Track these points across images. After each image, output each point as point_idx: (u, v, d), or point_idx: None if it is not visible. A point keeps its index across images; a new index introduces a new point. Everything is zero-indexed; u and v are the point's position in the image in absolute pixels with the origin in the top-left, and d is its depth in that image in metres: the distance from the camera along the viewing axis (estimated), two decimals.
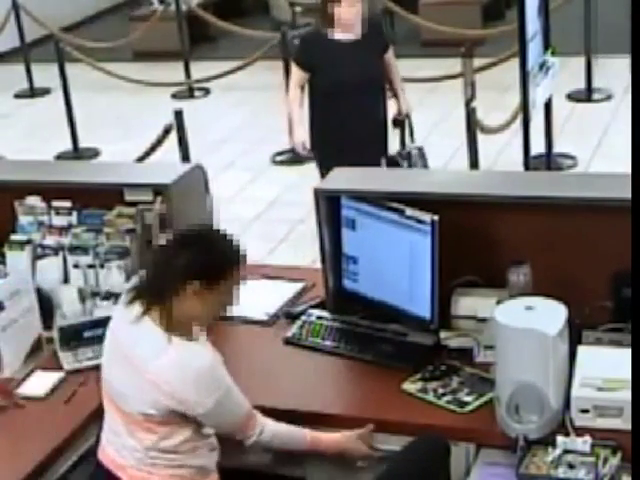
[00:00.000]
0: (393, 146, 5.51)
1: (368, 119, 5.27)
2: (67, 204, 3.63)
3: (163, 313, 2.68)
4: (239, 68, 8.63)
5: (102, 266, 3.51)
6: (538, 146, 6.58)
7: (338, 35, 5.19)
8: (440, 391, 2.96)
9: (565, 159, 7.01)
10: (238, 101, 9.24)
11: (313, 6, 10.28)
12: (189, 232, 2.80)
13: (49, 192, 3.65)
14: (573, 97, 8.21)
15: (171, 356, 2.64)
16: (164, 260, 2.73)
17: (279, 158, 7.72)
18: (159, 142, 6.44)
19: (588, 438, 2.64)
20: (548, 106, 6.66)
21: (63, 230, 3.62)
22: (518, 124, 6.17)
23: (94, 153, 8.21)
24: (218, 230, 2.80)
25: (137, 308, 2.72)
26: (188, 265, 2.65)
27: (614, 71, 8.21)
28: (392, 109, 5.53)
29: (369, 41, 5.25)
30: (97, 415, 3.05)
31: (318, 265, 3.52)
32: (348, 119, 5.20)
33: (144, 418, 2.69)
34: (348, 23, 5.13)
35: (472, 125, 5.89)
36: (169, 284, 2.67)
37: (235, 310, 3.12)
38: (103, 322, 3.33)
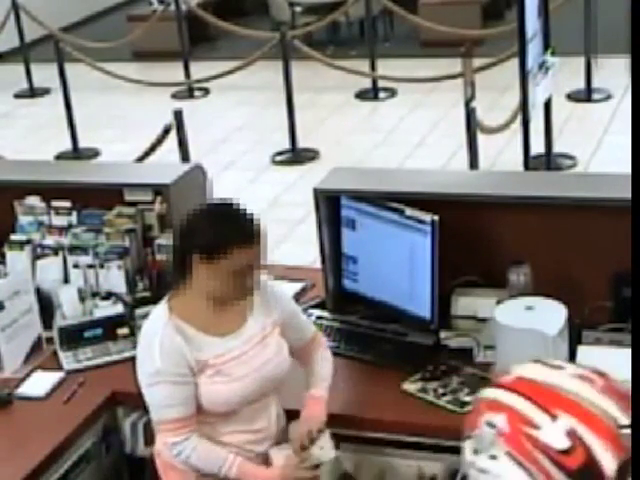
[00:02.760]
0: None
1: None
2: (67, 204, 3.63)
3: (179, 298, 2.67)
4: (239, 68, 8.63)
5: (102, 266, 3.51)
6: (538, 146, 6.58)
7: None
8: (440, 391, 2.95)
9: (565, 159, 7.01)
10: (238, 101, 9.24)
11: (313, 6, 10.40)
12: (205, 205, 2.75)
13: (49, 192, 3.65)
14: (573, 97, 8.21)
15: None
16: (179, 231, 2.69)
17: (279, 158, 7.72)
18: (159, 142, 6.44)
19: None
20: (548, 106, 6.67)
21: (63, 230, 3.62)
22: (518, 124, 6.18)
23: (94, 153, 8.21)
24: (236, 206, 2.69)
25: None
26: (192, 236, 2.60)
27: (614, 71, 8.21)
28: None
29: None
30: (97, 415, 3.06)
31: (318, 265, 3.51)
32: None
33: None
34: None
35: (472, 125, 5.89)
36: (179, 255, 2.65)
37: None
38: (103, 322, 3.35)
